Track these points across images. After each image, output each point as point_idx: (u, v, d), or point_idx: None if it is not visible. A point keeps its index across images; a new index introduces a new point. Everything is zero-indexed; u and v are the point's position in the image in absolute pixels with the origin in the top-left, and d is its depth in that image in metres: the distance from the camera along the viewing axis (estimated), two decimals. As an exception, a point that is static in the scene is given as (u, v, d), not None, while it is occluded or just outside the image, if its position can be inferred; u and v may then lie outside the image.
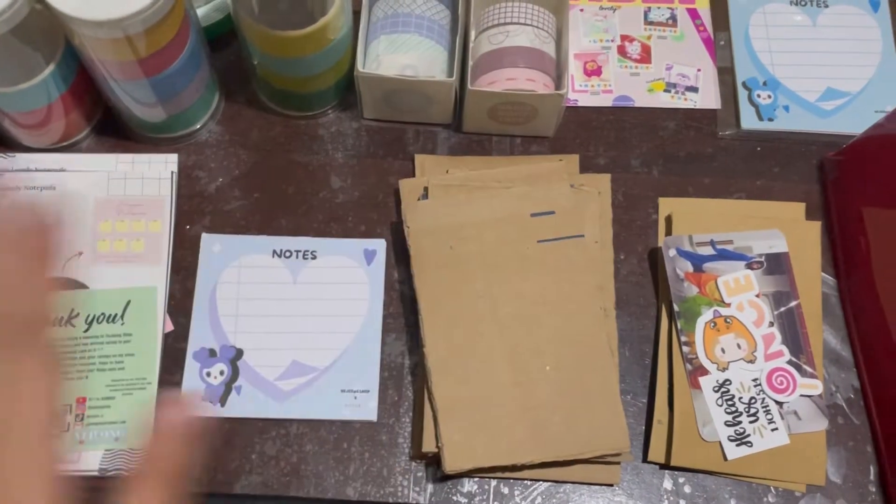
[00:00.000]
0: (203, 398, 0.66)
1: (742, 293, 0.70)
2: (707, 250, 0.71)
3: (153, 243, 0.71)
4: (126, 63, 0.63)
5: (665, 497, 0.66)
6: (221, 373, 0.68)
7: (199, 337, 0.69)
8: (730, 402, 0.67)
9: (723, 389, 0.67)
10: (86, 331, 0.67)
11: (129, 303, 0.69)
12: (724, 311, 0.69)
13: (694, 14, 0.81)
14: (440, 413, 0.64)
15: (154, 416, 0.36)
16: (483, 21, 0.74)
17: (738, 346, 0.68)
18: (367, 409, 0.67)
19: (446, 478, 0.66)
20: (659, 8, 0.81)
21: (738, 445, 0.66)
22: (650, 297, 0.72)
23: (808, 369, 0.68)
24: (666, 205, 0.75)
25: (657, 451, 0.66)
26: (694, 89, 0.79)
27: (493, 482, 0.66)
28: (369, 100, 0.73)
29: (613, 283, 0.71)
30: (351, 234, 0.73)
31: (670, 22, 0.81)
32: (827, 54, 0.80)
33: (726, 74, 0.79)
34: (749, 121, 0.77)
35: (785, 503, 0.66)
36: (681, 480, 0.67)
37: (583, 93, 0.78)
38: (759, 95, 0.78)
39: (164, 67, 0.65)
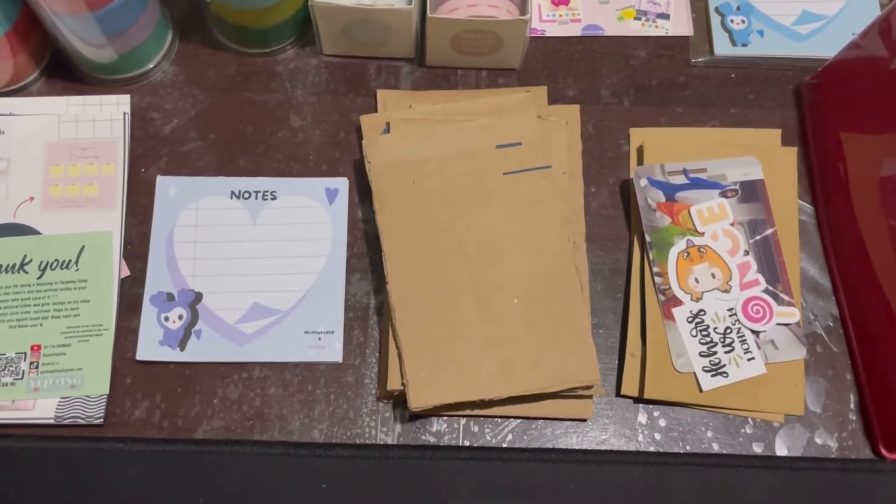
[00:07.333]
0: (161, 342, 0.64)
1: (716, 222, 0.67)
2: (680, 179, 0.68)
3: (107, 187, 0.68)
4: (67, -5, 0.61)
5: (640, 431, 0.64)
6: (180, 317, 0.65)
7: (156, 281, 0.66)
8: (704, 333, 0.65)
9: (697, 320, 0.65)
10: (39, 277, 0.65)
11: (83, 248, 0.66)
12: (697, 240, 0.67)
13: (665, -60, 0.78)
14: (405, 350, 0.62)
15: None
16: (443, -52, 0.71)
17: (713, 276, 0.66)
18: (331, 350, 0.65)
19: (414, 417, 0.64)
20: (628, -66, 0.78)
21: (713, 376, 0.64)
22: (622, 230, 0.70)
23: (785, 298, 0.66)
24: (637, 135, 0.72)
25: (630, 385, 0.65)
26: (665, 16, 0.76)
27: (463, 420, 0.64)
28: (327, 33, 0.71)
29: (583, 216, 0.69)
30: (312, 174, 0.70)
31: (640, -52, 0.78)
32: (803, -24, 0.77)
33: (698, 0, 0.76)
34: (722, 47, 0.74)
35: (763, 434, 0.64)
36: (655, 414, 0.65)
37: (550, 23, 0.75)
38: (732, 21, 0.75)
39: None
